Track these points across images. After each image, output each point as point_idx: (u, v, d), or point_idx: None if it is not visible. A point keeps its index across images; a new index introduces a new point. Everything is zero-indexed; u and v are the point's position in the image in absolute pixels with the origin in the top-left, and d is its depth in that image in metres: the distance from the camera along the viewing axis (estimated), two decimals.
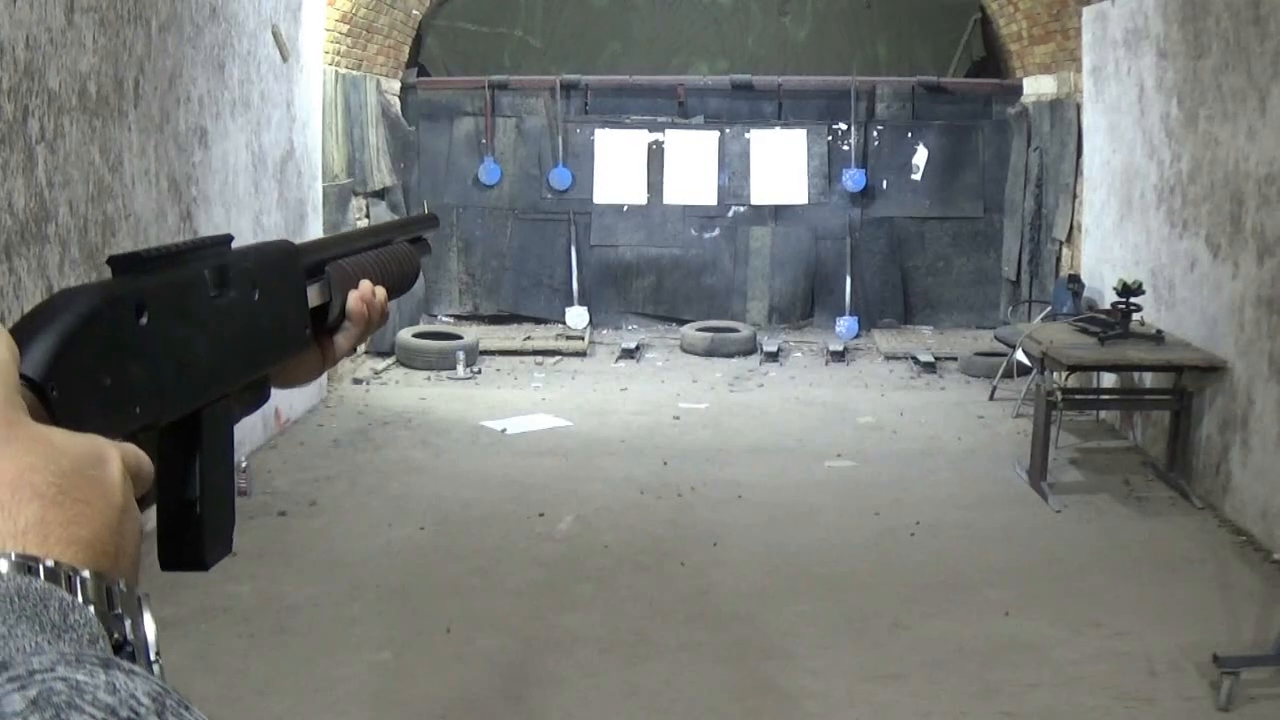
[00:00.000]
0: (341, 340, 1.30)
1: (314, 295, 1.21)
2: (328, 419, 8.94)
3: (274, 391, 1.15)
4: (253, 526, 6.54)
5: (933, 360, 10.84)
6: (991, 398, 9.68)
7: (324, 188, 9.64)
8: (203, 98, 6.99)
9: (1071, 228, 10.54)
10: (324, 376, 9.47)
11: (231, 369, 0.97)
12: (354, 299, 1.28)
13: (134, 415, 0.83)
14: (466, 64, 12.53)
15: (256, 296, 1.02)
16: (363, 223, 10.75)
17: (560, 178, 12.30)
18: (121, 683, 0.55)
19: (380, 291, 1.33)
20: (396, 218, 1.84)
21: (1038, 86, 11.27)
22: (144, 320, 0.84)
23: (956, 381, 10.42)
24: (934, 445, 8.37)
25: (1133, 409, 8.32)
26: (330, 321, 1.27)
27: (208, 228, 7.02)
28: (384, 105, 11.26)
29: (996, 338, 10.04)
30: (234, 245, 1.00)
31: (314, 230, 9.21)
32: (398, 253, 1.43)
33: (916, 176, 12.26)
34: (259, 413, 7.92)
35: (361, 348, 10.68)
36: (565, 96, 12.35)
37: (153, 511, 0.91)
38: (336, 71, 10.10)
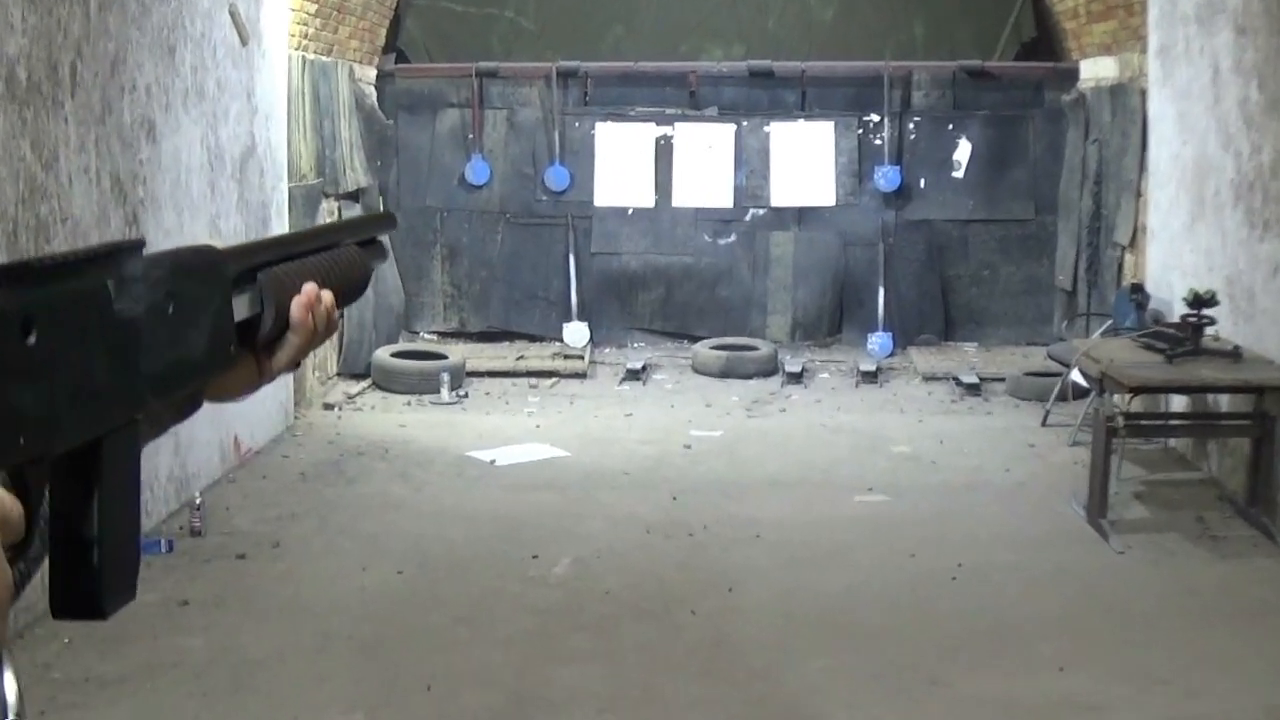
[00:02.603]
0: (282, 355, 1.30)
1: (243, 306, 1.20)
2: (294, 449, 8.92)
3: (233, 419, 1.16)
4: (208, 571, 6.51)
5: (977, 381, 10.81)
6: (1044, 424, 9.64)
7: (290, 189, 9.64)
8: (150, 86, 6.99)
9: (1135, 230, 10.51)
10: (290, 403, 9.46)
11: (138, 392, 0.96)
12: (296, 306, 1.28)
13: (18, 447, 0.82)
14: (451, 49, 12.55)
15: (171, 310, 1.01)
16: (333, 220, 10.74)
17: (557, 177, 12.30)
18: None
19: (327, 296, 1.33)
20: (352, 217, 1.83)
21: (1096, 70, 11.25)
22: (32, 339, 0.82)
23: (1004, 405, 10.38)
24: (978, 478, 8.33)
25: (1207, 436, 8.27)
26: (264, 334, 1.26)
27: (157, 233, 7.01)
28: (358, 95, 11.27)
29: (1049, 356, 10.00)
30: (149, 251, 1.00)
31: None
32: (343, 257, 1.42)
33: (958, 174, 12.25)
34: (215, 443, 7.88)
35: (323, 366, 10.66)
36: (562, 86, 12.36)
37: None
38: (304, 57, 10.11)
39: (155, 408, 1.01)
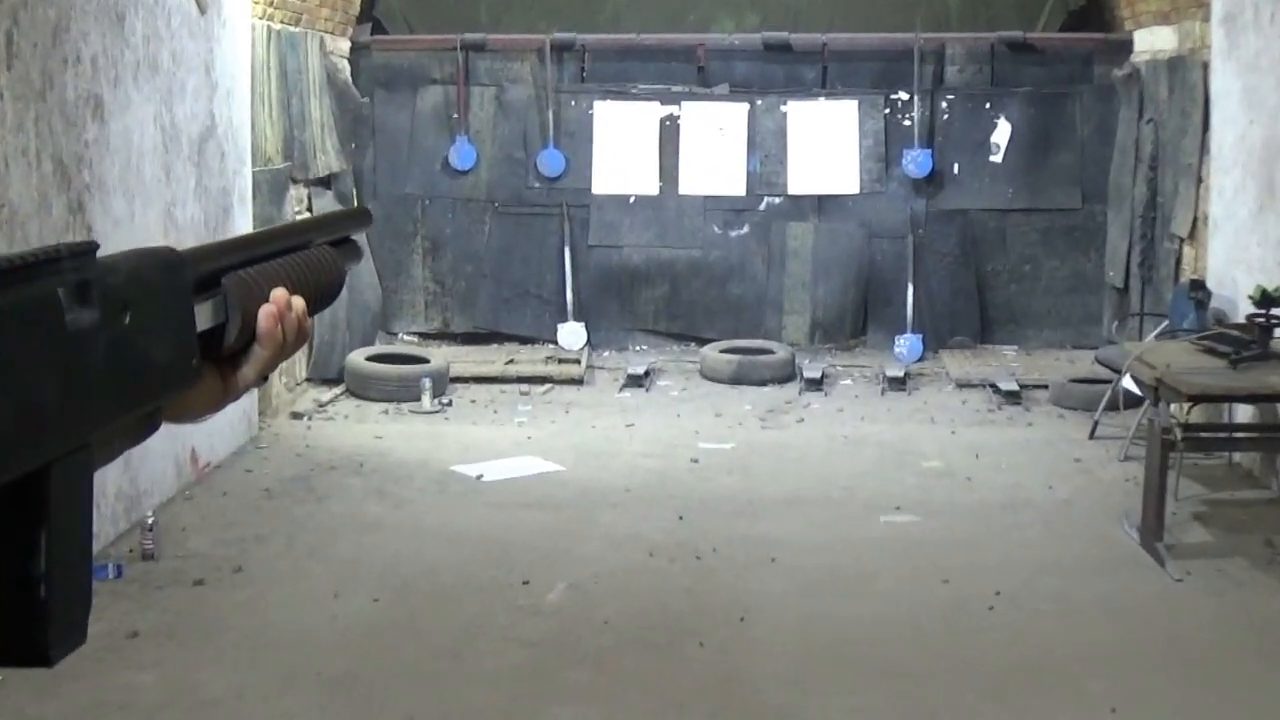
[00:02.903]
0: (248, 368, 1.31)
1: (206, 315, 1.21)
2: (258, 463, 8.89)
3: (190, 429, 1.16)
4: (161, 599, 6.47)
5: (1017, 389, 10.79)
6: (1092, 436, 9.60)
7: (254, 174, 9.63)
8: (97, 58, 6.95)
9: (1195, 221, 10.47)
10: (254, 412, 9.44)
11: (91, 413, 0.96)
12: (264, 315, 1.28)
13: None
14: (433, 19, 12.54)
15: (128, 320, 1.02)
16: (304, 217, 10.71)
17: (551, 162, 12.30)
18: None
19: (297, 303, 1.33)
20: (324, 214, 1.85)
21: (1153, 41, 11.22)
22: None
23: (1047, 416, 10.36)
24: (1019, 496, 8.30)
25: (1276, 450, 8.22)
26: (229, 345, 1.26)
27: (105, 222, 6.98)
28: (330, 70, 11.25)
29: (1098, 360, 9.97)
30: (102, 254, 1.00)
31: (241, 227, 9.18)
32: (315, 259, 1.43)
33: (996, 158, 12.23)
34: (170, 457, 7.85)
35: (291, 371, 10.64)
36: (557, 60, 12.35)
37: None
38: (269, 27, 10.10)
39: (110, 430, 1.01)
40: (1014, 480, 8.62)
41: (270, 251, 1.35)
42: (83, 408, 0.94)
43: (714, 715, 5.39)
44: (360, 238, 1.60)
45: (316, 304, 1.41)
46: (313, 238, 1.45)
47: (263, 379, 1.35)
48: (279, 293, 1.30)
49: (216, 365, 1.27)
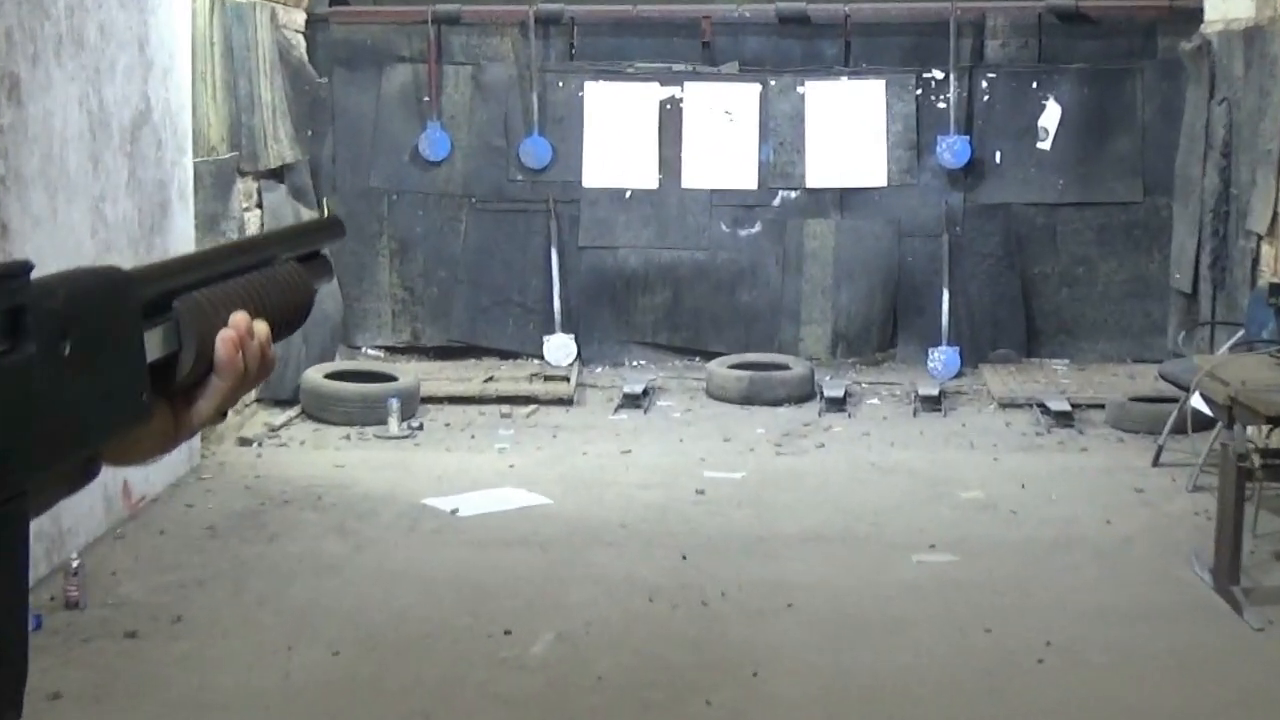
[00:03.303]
0: (204, 403, 1.31)
1: (156, 343, 1.21)
2: (201, 497, 8.87)
3: (117, 468, 1.18)
4: (88, 653, 6.44)
5: (1069, 409, 10.77)
6: (1156, 463, 9.59)
7: (196, 165, 9.63)
8: (12, 31, 6.93)
9: (1275, 216, 10.46)
10: (196, 438, 9.41)
11: (27, 458, 0.96)
12: (223, 342, 1.29)
13: None
14: None
15: (67, 351, 1.02)
16: (253, 215, 10.71)
17: (535, 152, 12.32)
18: None
19: (260, 329, 1.34)
20: (291, 225, 1.88)
21: (1226, 9, 11.22)
22: None
23: (1104, 440, 10.35)
24: (1072, 532, 8.27)
25: None
26: (182, 377, 1.26)
27: (23, 221, 6.96)
28: (283, 46, 11.26)
29: (1162, 376, 9.96)
30: (36, 274, 1.00)
31: (181, 225, 9.17)
32: (280, 278, 1.44)
33: (1044, 145, 12.24)
34: (99, 490, 7.85)
35: (238, 406, 10.63)
36: (543, 35, 12.37)
37: None
38: None
39: (46, 476, 1.01)
40: (1066, 514, 8.60)
41: (229, 270, 1.35)
42: (17, 453, 0.94)
43: None
44: (331, 251, 1.59)
45: (282, 329, 1.41)
46: (277, 253, 1.46)
47: (220, 415, 1.35)
48: (239, 317, 1.30)
49: (168, 399, 1.27)
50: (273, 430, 10.34)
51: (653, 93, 12.37)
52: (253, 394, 10.74)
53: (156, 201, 8.85)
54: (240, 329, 1.30)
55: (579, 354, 12.22)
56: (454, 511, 8.59)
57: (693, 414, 11.17)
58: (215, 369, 1.29)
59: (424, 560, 7.78)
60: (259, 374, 1.35)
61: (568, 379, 11.73)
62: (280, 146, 11.09)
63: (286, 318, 1.42)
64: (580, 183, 12.39)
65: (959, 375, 11.94)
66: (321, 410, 10.69)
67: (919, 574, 7.61)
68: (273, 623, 6.88)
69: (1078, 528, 8.35)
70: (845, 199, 12.35)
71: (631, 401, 11.29)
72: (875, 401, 11.47)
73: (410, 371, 11.46)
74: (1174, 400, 9.72)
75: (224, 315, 1.30)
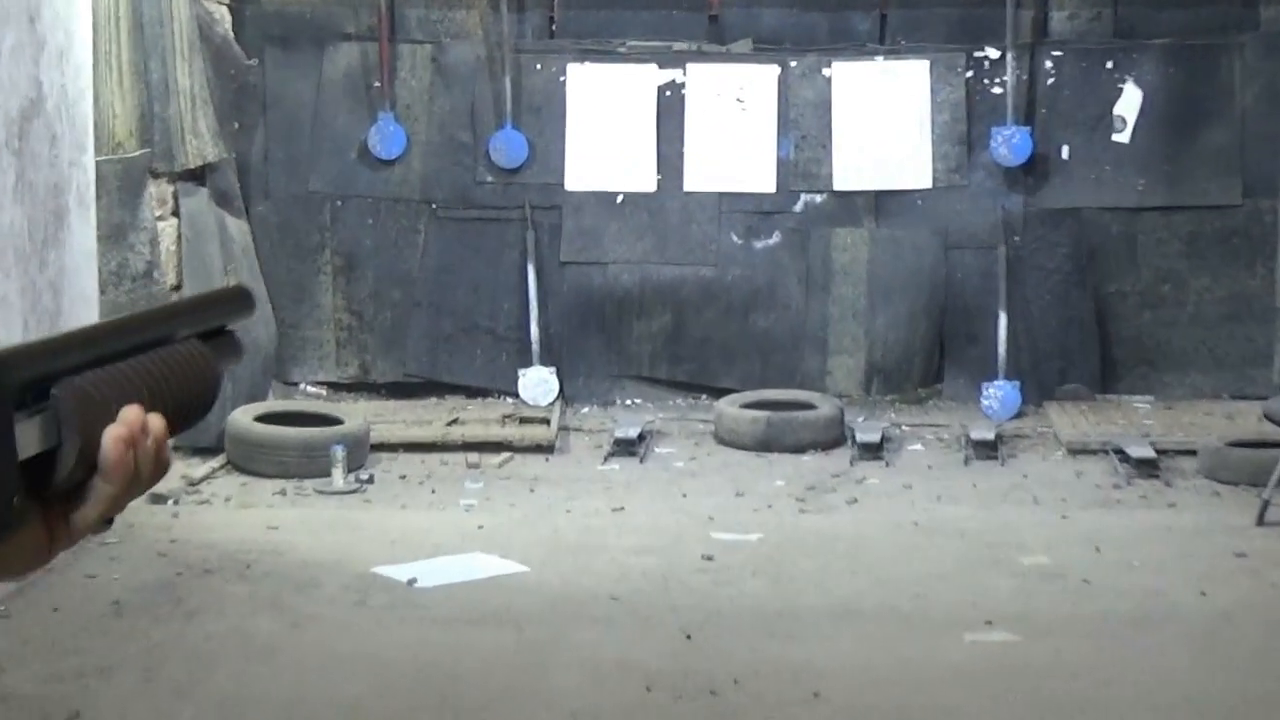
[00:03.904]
0: (88, 508, 1.31)
1: (32, 437, 1.20)
2: (104, 565, 8.82)
3: None
4: None
5: (1153, 456, 10.75)
6: (1261, 521, 9.56)
7: (99, 164, 9.62)
8: None
9: None
10: None
11: None
12: (111, 439, 1.28)
13: None
14: None
15: None
16: (168, 225, 10.72)
17: (508, 148, 12.32)
18: None
19: (155, 423, 1.34)
20: (192, 296, 1.82)
21: None
22: None
23: (1196, 493, 10.33)
24: (1157, 605, 8.26)
25: None
26: (63, 478, 1.26)
27: None
28: (204, 22, 11.26)
29: (1267, 416, 9.97)
30: None
31: (80, 239, 9.15)
32: (181, 359, 1.43)
33: (1121, 137, 12.24)
34: None
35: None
36: (517, 8, 12.38)
37: None
38: None
39: None
40: (1150, 584, 8.58)
41: (119, 350, 1.34)
42: None
43: None
44: (243, 327, 1.58)
45: (182, 420, 1.41)
46: (178, 329, 1.45)
47: (106, 523, 1.34)
48: (131, 411, 1.30)
49: (42, 504, 1.26)
50: (192, 484, 10.29)
51: (649, 77, 12.39)
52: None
53: (50, 210, 8.81)
54: (132, 425, 1.30)
55: (561, 391, 12.20)
56: (411, 582, 8.55)
57: (698, 463, 11.14)
58: (101, 471, 1.28)
59: (375, 641, 7.74)
60: (152, 477, 1.35)
61: (548, 421, 11.70)
62: (201, 142, 11.07)
63: (186, 408, 1.42)
64: (562, 185, 12.38)
65: (1019, 416, 11.92)
66: (251, 460, 10.65)
67: (972, 657, 7.59)
68: (192, 717, 6.86)
69: (1165, 600, 8.32)
70: (881, 204, 12.37)
71: (625, 448, 11.26)
72: (918, 448, 11.46)
73: (358, 413, 11.42)
74: None
75: (113, 405, 1.29)
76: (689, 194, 12.35)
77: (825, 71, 12.34)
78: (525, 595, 8.39)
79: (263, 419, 10.93)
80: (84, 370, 1.27)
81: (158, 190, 10.60)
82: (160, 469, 1.35)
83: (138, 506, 9.76)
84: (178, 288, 10.95)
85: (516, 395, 12.17)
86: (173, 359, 1.41)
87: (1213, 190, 12.25)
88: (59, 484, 1.25)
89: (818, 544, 9.28)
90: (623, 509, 9.99)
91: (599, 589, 8.49)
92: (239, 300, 1.62)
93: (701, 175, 12.33)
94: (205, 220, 11.04)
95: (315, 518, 9.80)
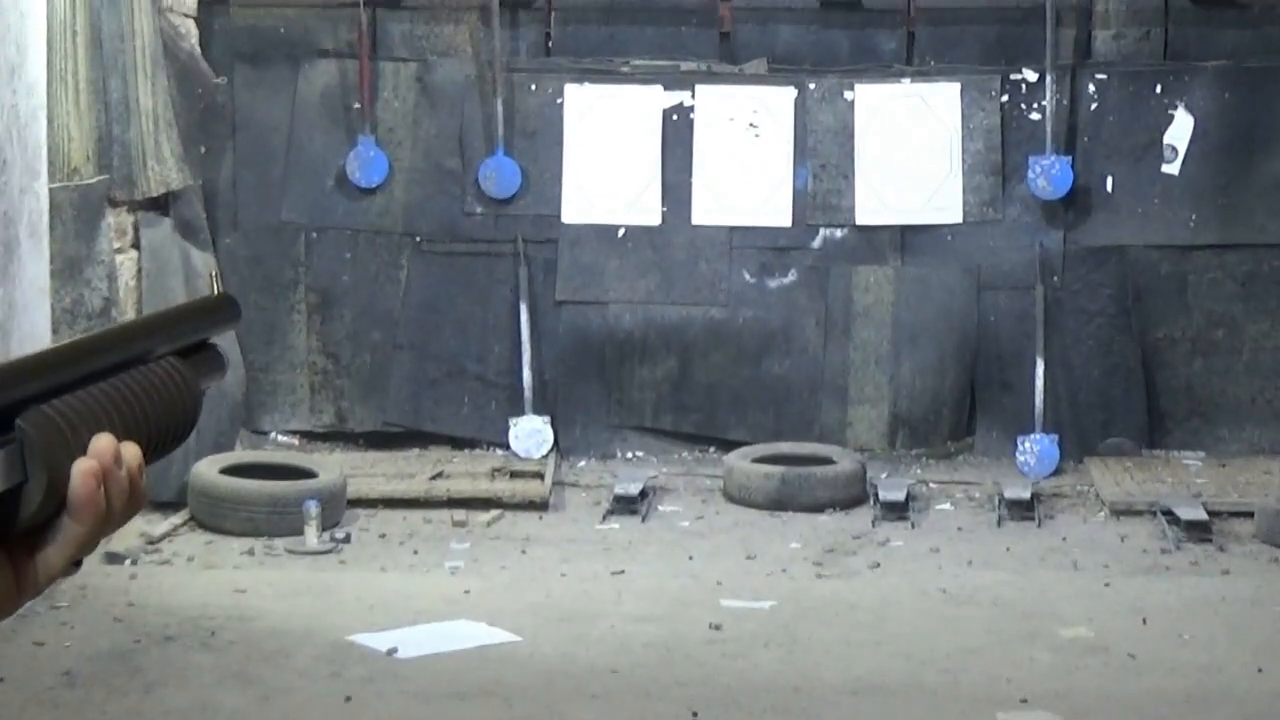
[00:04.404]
0: (54, 550, 1.31)
1: None
2: (55, 632, 8.82)
3: None
4: None
5: (1205, 518, 10.74)
6: None
7: (53, 192, 9.64)
8: None
9: None
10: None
11: None
12: (80, 475, 1.27)
13: None
14: None
15: None
16: (127, 258, 10.72)
17: (500, 176, 12.33)
18: None
19: (129, 453, 1.33)
20: (171, 309, 1.81)
21: None
22: None
23: (1253, 559, 10.33)
24: (1210, 684, 8.25)
25: None
26: (27, 517, 1.26)
27: None
28: (168, 36, 11.28)
29: None
30: None
31: (31, 273, 9.16)
32: (157, 380, 1.43)
33: (1171, 168, 12.24)
34: None
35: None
36: (510, 23, 12.41)
37: None
38: None
39: None
40: (1203, 660, 8.57)
41: (89, 373, 1.33)
42: None
43: None
44: (226, 340, 1.58)
45: (159, 447, 1.40)
46: (152, 347, 1.44)
47: (74, 565, 1.34)
48: (102, 441, 1.29)
49: (6, 547, 1.26)
50: (151, 543, 10.28)
51: (654, 99, 12.41)
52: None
53: (0, 241, 8.84)
54: (104, 456, 1.29)
55: (556, 443, 12.20)
56: (391, 652, 8.55)
57: (706, 523, 11.13)
58: (69, 509, 1.27)
59: (351, 717, 7.75)
60: (126, 513, 1.33)
61: (541, 476, 11.69)
62: (164, 168, 11.08)
63: (164, 434, 1.41)
64: (559, 217, 12.40)
65: (1058, 472, 11.92)
66: (216, 516, 10.64)
67: None
68: None
69: (1219, 678, 8.32)
70: (908, 240, 12.38)
71: (625, 506, 11.25)
72: (947, 507, 11.45)
73: (334, 465, 11.40)
74: None
75: (84, 434, 1.28)
76: (697, 228, 12.37)
77: (847, 94, 12.35)
78: (516, 667, 8.39)
79: (229, 471, 10.94)
80: (52, 397, 1.27)
81: (116, 220, 10.60)
82: (135, 504, 1.35)
83: (91, 567, 9.76)
84: None
85: (507, 447, 12.16)
86: (148, 380, 1.40)
87: (1271, 227, 12.26)
88: (23, 523, 1.24)
89: (837, 613, 9.28)
90: (623, 573, 9.99)
91: (597, 661, 8.49)
92: (223, 310, 1.63)
93: (711, 207, 12.34)
94: (168, 253, 11.05)
95: (286, 580, 9.79)
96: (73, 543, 1.29)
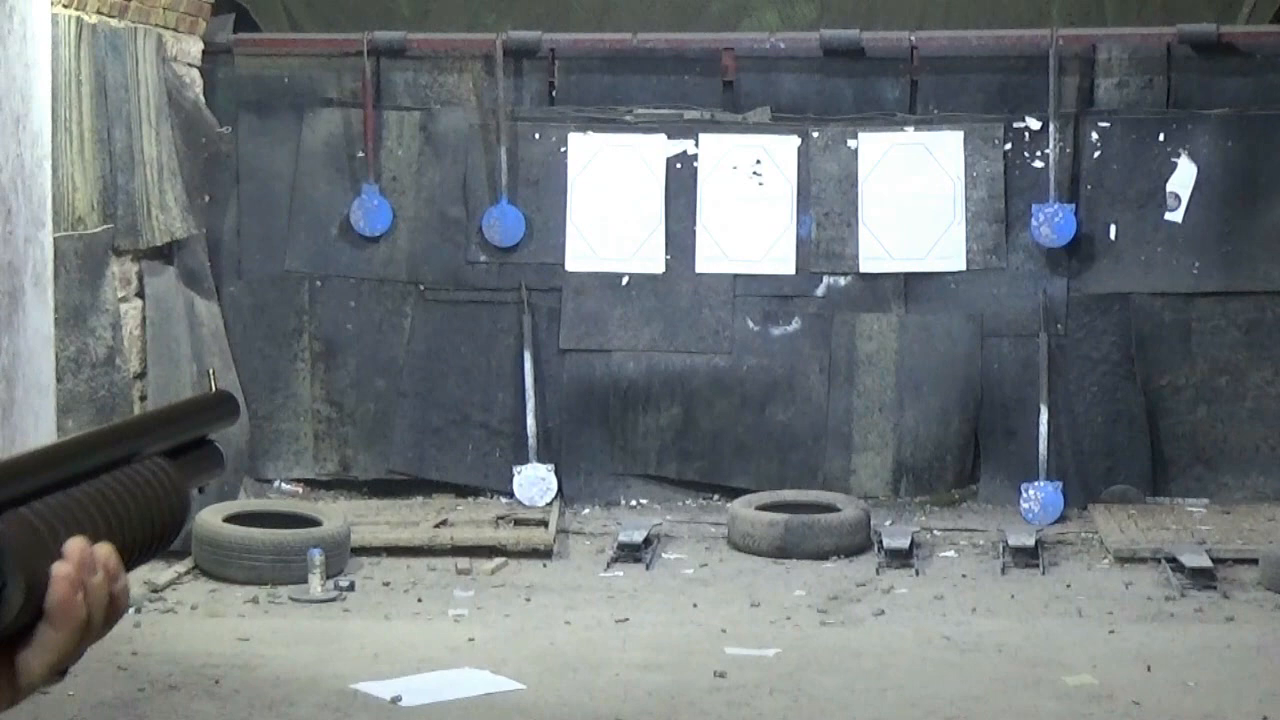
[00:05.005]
0: (32, 657, 1.33)
1: None
2: (59, 682, 8.82)
3: None
4: None
5: (1209, 565, 10.72)
6: None
7: (57, 241, 9.67)
8: None
9: None
10: None
11: None
12: (58, 582, 1.28)
13: None
14: (329, 9, 12.61)
15: None
16: (131, 308, 10.73)
17: (504, 224, 12.36)
18: None
19: (104, 554, 1.34)
20: (164, 407, 1.79)
21: None
22: None
23: (1258, 607, 10.30)
24: None
25: None
26: (5, 625, 1.27)
27: None
28: (173, 86, 11.30)
29: None
30: None
31: (36, 322, 9.14)
32: (142, 480, 1.43)
33: (1175, 216, 12.25)
34: None
35: None
36: (514, 73, 12.45)
37: None
38: (80, 19, 10.14)
39: None
40: (1207, 707, 8.55)
41: (73, 473, 1.33)
42: None
43: None
44: (230, 386, 1.55)
45: (143, 551, 1.41)
46: (146, 445, 1.45)
47: (59, 674, 1.36)
48: (75, 545, 1.29)
49: None
50: (155, 591, 10.27)
51: (658, 147, 12.44)
52: None
53: (3, 290, 8.81)
54: (80, 559, 1.28)
55: (560, 491, 12.19)
56: (395, 700, 8.54)
57: (710, 570, 11.11)
58: (47, 615, 1.28)
59: None
60: (106, 621, 1.36)
61: (545, 524, 11.67)
62: (168, 217, 11.12)
63: (148, 536, 1.42)
64: (562, 265, 12.41)
65: (1062, 520, 11.91)
66: (220, 565, 10.63)
67: None
68: None
69: None
70: (911, 288, 12.40)
71: (629, 554, 11.23)
72: (951, 554, 11.44)
73: (338, 513, 11.40)
74: None
75: (63, 538, 1.28)
76: (701, 276, 12.38)
77: (850, 142, 12.37)
78: (520, 716, 8.38)
79: (233, 519, 10.91)
80: (33, 498, 1.26)
81: (121, 269, 10.60)
82: (115, 611, 1.36)
83: None
84: (141, 375, 10.98)
85: (511, 495, 12.16)
86: (133, 480, 1.40)
87: (1274, 274, 12.25)
88: (2, 631, 1.25)
89: (841, 660, 9.27)
90: (627, 620, 9.98)
91: (601, 709, 8.48)
92: (220, 408, 1.65)
93: (714, 255, 12.36)
94: (172, 302, 11.06)
95: (290, 628, 9.78)
96: (52, 649, 1.31)
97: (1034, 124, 12.33)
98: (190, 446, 1.53)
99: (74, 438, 1.45)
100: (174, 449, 1.50)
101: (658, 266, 12.40)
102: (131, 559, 1.38)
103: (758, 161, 12.37)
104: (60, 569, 1.26)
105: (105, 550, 1.31)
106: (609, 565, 11.17)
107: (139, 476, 1.40)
